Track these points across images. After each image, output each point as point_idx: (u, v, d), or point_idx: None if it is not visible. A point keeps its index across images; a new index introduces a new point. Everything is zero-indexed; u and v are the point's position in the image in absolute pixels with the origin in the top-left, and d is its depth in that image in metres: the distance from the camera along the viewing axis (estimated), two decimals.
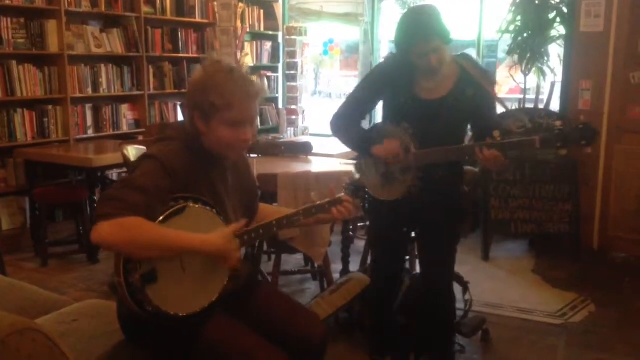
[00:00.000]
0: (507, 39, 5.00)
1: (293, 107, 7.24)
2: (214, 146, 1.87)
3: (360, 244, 4.36)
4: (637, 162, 4.51)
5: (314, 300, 3.31)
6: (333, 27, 7.78)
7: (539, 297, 3.86)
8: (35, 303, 2.27)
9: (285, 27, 7.21)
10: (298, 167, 3.78)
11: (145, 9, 5.71)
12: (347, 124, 2.58)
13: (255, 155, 4.12)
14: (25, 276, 4.01)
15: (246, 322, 1.89)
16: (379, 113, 4.17)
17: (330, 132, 2.68)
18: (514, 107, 5.44)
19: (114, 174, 5.14)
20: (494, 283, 4.10)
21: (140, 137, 5.47)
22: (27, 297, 2.31)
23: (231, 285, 1.87)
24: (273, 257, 3.82)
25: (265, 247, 3.90)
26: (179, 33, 6.16)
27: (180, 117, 6.16)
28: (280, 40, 7.31)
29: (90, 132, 5.34)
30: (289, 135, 7.14)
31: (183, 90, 5.92)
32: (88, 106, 5.33)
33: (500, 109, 2.66)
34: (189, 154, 1.84)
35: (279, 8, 7.24)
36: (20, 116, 4.77)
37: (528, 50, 4.87)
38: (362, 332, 3.17)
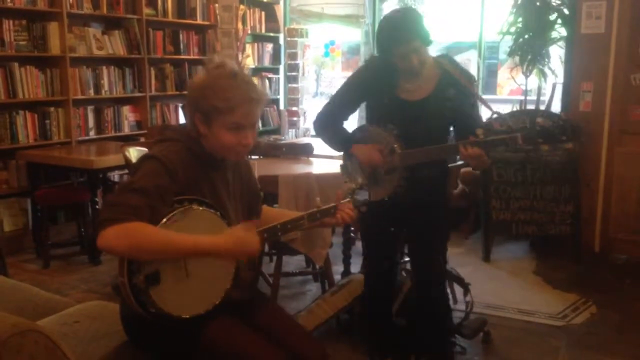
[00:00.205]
0: (508, 41, 5.01)
1: (294, 108, 7.25)
2: (214, 148, 1.87)
3: (361, 245, 4.35)
4: (638, 164, 4.51)
5: (314, 302, 3.31)
6: (334, 28, 7.78)
7: (540, 298, 3.86)
8: (36, 304, 2.27)
9: (286, 28, 7.22)
10: (299, 169, 3.78)
11: (146, 10, 5.73)
12: (329, 124, 2.64)
13: (257, 157, 4.13)
14: (27, 277, 4.02)
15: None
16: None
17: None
18: (515, 109, 5.45)
19: (115, 176, 5.15)
20: (495, 284, 4.10)
21: (142, 139, 5.48)
22: (29, 299, 2.32)
23: (234, 289, 1.87)
24: (274, 258, 3.83)
25: (266, 249, 3.90)
26: (180, 35, 6.18)
27: (182, 119, 6.17)
28: (281, 41, 7.32)
29: (92, 134, 5.35)
30: (290, 136, 7.14)
31: (184, 92, 5.90)
32: (90, 108, 5.34)
33: (485, 110, 2.69)
34: (190, 155, 1.84)
35: (280, 10, 7.25)
36: (22, 118, 4.78)
37: (529, 52, 4.86)
38: (363, 334, 3.17)
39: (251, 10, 6.79)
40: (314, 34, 7.45)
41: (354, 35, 7.61)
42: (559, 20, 4.84)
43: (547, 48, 4.92)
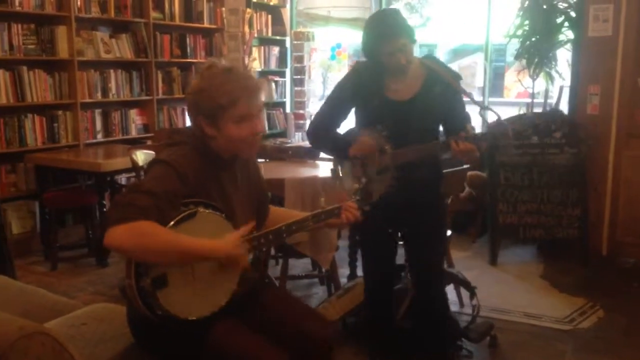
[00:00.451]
0: (516, 43, 4.99)
1: (300, 111, 7.25)
2: (226, 147, 1.88)
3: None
4: None
5: (321, 304, 3.32)
6: (341, 31, 7.80)
7: (547, 302, 3.85)
8: (44, 307, 2.28)
9: (292, 32, 7.23)
10: (305, 172, 3.79)
11: (153, 14, 5.75)
12: (323, 133, 2.67)
13: (263, 160, 4.14)
14: (34, 280, 4.05)
15: (254, 323, 1.90)
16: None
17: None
18: (522, 112, 5.43)
19: (122, 179, 5.17)
20: (502, 288, 4.09)
21: (149, 142, 5.51)
22: (36, 301, 2.33)
23: (240, 290, 1.89)
24: (280, 261, 3.84)
25: (272, 252, 3.91)
26: (187, 38, 6.20)
27: (189, 122, 6.18)
28: (287, 45, 7.33)
29: (100, 137, 5.38)
30: (296, 139, 7.14)
31: None
32: (97, 111, 5.37)
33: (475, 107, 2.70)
34: (199, 158, 1.85)
35: (286, 13, 7.26)
36: (31, 121, 4.81)
37: (536, 55, 4.85)
38: (366, 336, 3.16)
39: (258, 13, 6.81)
40: (320, 37, 7.46)
41: (360, 38, 7.60)
42: (566, 23, 4.82)
43: (554, 51, 4.90)
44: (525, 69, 4.97)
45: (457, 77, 2.59)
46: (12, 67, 4.67)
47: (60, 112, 5.00)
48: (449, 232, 3.74)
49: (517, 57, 5.02)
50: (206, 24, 6.39)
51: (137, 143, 5.49)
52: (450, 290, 3.61)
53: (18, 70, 4.69)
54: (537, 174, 4.59)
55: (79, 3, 5.04)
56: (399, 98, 2.55)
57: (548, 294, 4.02)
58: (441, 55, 16.83)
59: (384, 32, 2.44)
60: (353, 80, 2.64)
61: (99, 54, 5.27)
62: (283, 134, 7.20)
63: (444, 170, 2.82)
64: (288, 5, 7.26)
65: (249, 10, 6.15)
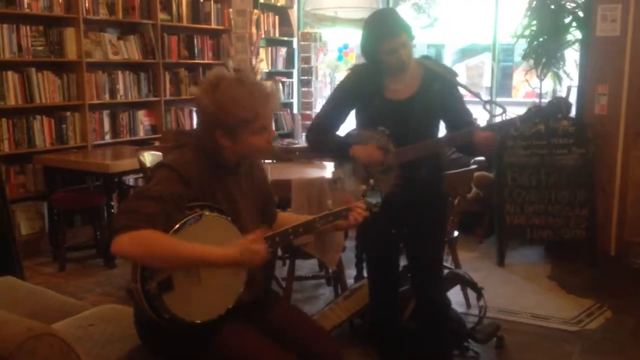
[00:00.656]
0: (523, 43, 4.98)
1: (308, 112, 7.26)
2: (238, 154, 1.89)
3: None
4: None
5: (327, 305, 3.32)
6: (348, 32, 7.79)
7: (554, 303, 3.84)
8: (52, 307, 2.30)
9: (300, 32, 7.24)
10: (312, 173, 3.79)
11: (161, 16, 5.77)
12: (322, 135, 2.65)
13: (270, 161, 4.14)
14: (43, 280, 4.07)
15: (261, 331, 1.90)
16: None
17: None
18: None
19: (130, 180, 5.19)
20: (509, 289, 4.08)
21: (157, 143, 5.53)
22: (45, 302, 2.35)
23: (247, 294, 1.88)
24: (287, 262, 3.84)
25: (280, 252, 3.91)
26: (195, 39, 6.22)
27: (196, 123, 6.20)
28: (295, 45, 7.34)
29: (108, 138, 5.41)
30: (303, 140, 7.15)
31: None
32: (105, 112, 5.40)
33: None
34: (204, 161, 1.86)
35: (293, 14, 7.27)
36: (39, 123, 4.84)
37: (544, 55, 4.83)
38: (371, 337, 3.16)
39: (265, 14, 6.82)
40: (327, 38, 7.46)
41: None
42: (574, 23, 4.81)
43: (562, 51, 4.88)
44: (532, 69, 4.95)
45: (454, 74, 2.61)
46: (20, 68, 4.70)
47: (68, 114, 5.03)
48: (455, 233, 3.74)
49: (525, 57, 5.00)
50: (213, 25, 6.41)
51: (145, 144, 5.51)
52: (457, 291, 3.61)
53: (27, 72, 4.72)
54: (544, 174, 4.58)
55: (87, 5, 5.07)
56: (398, 97, 2.55)
57: (556, 295, 4.00)
58: (449, 55, 16.80)
59: (385, 31, 2.45)
60: (352, 81, 2.64)
61: (107, 56, 5.30)
62: (290, 134, 7.21)
63: (452, 172, 2.82)
64: (295, 6, 7.28)
65: (256, 11, 6.17)
